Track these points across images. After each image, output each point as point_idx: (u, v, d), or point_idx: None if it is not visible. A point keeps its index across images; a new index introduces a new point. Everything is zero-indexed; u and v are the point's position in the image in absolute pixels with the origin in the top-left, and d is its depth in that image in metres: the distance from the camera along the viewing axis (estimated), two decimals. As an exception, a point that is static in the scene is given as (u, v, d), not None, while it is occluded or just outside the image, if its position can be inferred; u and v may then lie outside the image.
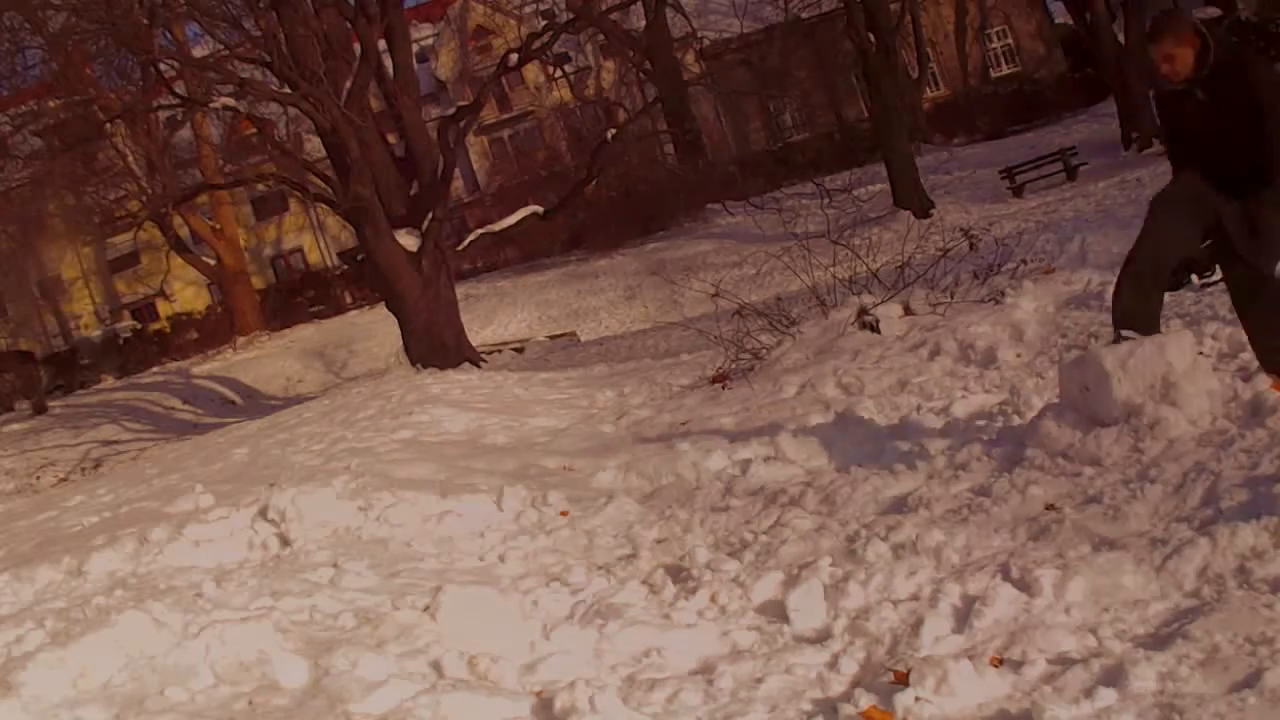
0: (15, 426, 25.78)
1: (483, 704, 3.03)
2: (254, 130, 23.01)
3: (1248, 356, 5.03)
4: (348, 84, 15.65)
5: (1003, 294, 8.51)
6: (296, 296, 35.78)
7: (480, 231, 18.54)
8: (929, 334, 7.79)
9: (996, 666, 2.78)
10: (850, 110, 37.87)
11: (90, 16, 15.17)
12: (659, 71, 29.54)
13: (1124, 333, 4.33)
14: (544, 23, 21.75)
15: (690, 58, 37.00)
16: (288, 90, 14.96)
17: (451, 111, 19.19)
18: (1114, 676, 2.57)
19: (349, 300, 34.55)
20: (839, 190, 21.17)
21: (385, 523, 5.17)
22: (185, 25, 22.65)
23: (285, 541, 5.06)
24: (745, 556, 4.24)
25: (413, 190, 16.62)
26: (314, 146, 25.42)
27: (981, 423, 5.51)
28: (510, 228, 18.50)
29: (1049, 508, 3.84)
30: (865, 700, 2.76)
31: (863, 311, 8.80)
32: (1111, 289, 4.55)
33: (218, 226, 32.37)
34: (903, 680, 2.79)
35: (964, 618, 3.14)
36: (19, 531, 7.48)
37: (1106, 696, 2.50)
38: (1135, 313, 4.38)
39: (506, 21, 36.26)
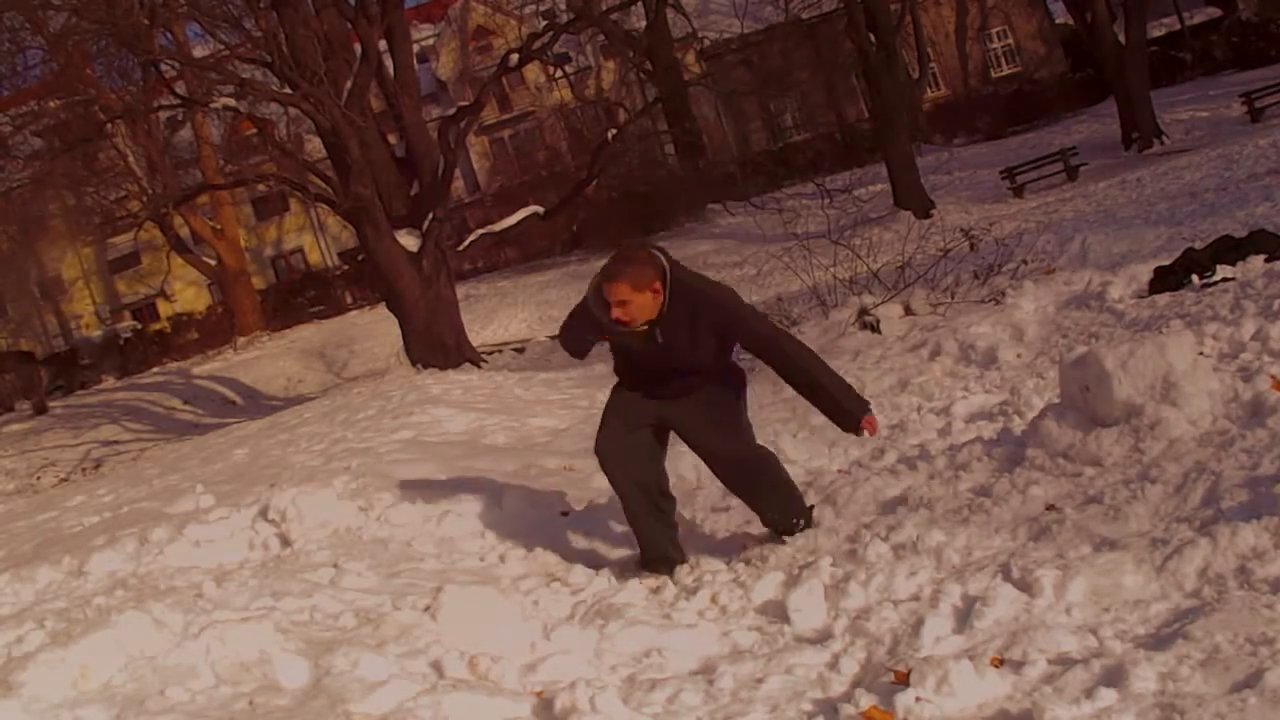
0: (16, 427, 25.79)
1: (483, 704, 3.03)
2: (254, 130, 22.98)
3: (1248, 356, 5.03)
4: (348, 84, 15.64)
5: (1003, 294, 8.53)
6: (297, 296, 35.78)
7: (481, 232, 18.53)
8: (929, 334, 7.79)
9: (997, 667, 2.78)
10: (851, 110, 37.91)
11: (91, 17, 15.16)
12: (659, 72, 29.52)
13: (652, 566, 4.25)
14: (544, 23, 21.75)
15: (691, 58, 37.01)
16: (288, 90, 14.95)
17: (452, 112, 19.20)
18: (1115, 677, 2.57)
19: (349, 300, 34.54)
20: (839, 190, 21.15)
21: (386, 523, 5.17)
22: (186, 25, 22.67)
23: (286, 542, 5.06)
24: (746, 556, 4.24)
25: (413, 190, 16.61)
26: (314, 147, 25.43)
27: (982, 423, 5.52)
28: (511, 228, 18.49)
29: (1049, 508, 3.84)
30: (866, 700, 2.76)
31: (863, 311, 8.81)
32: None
33: (218, 227, 32.37)
34: (903, 680, 2.79)
35: (964, 618, 3.14)
36: (19, 532, 7.48)
37: (1107, 697, 2.50)
38: (657, 540, 4.28)
39: (507, 22, 36.29)
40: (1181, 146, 25.14)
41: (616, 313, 3.98)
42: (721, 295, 4.10)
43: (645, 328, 4.03)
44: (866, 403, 4.14)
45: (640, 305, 3.96)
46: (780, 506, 4.30)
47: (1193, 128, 27.26)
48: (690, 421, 4.25)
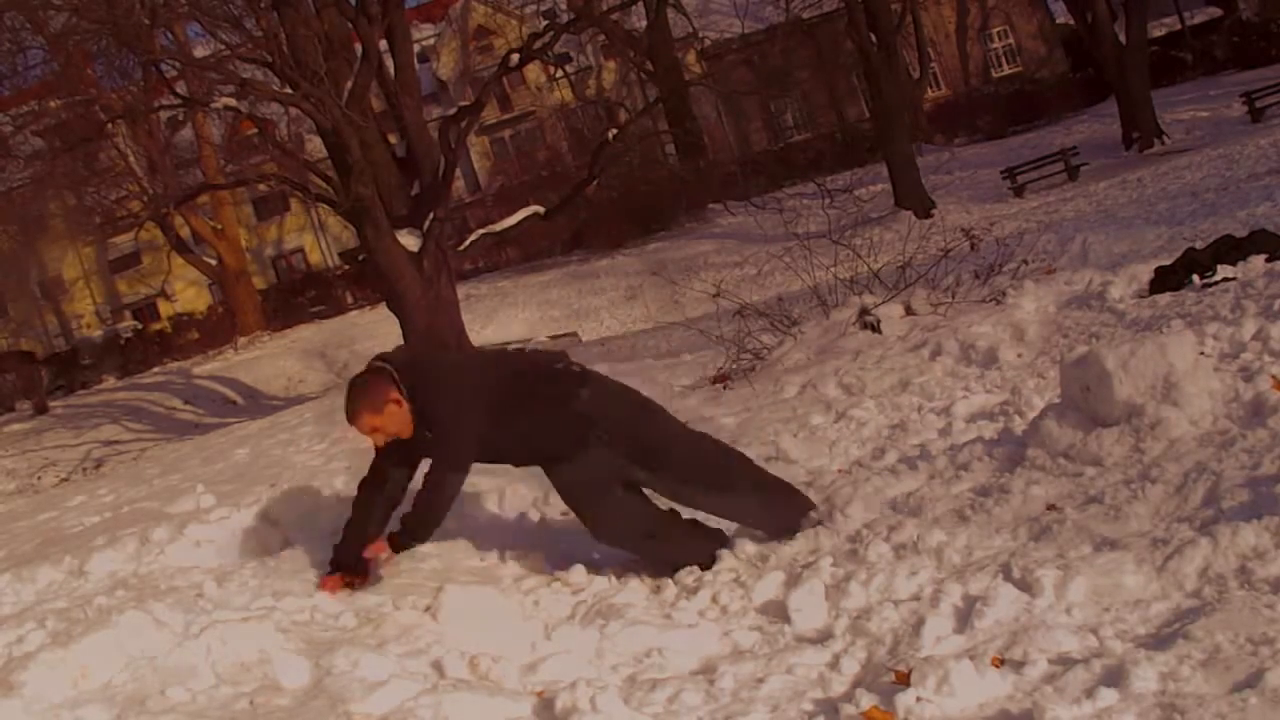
0: (16, 426, 25.79)
1: (484, 704, 3.03)
2: (255, 130, 23.01)
3: (1249, 356, 5.03)
4: (349, 84, 15.63)
5: (1004, 294, 8.51)
6: (298, 296, 35.79)
7: (481, 232, 18.51)
8: (930, 334, 7.79)
9: (998, 666, 2.78)
10: (851, 110, 37.93)
11: (91, 16, 15.14)
12: (660, 71, 29.54)
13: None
14: (545, 23, 21.75)
15: (692, 58, 37.07)
16: (289, 90, 14.94)
17: (453, 111, 19.18)
18: (1115, 677, 2.57)
19: (350, 300, 34.53)
20: (840, 190, 21.15)
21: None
22: (186, 25, 22.66)
23: (287, 542, 5.06)
24: (746, 556, 4.24)
25: (414, 190, 16.60)
26: (315, 146, 25.44)
27: (983, 423, 5.51)
28: (511, 228, 18.47)
29: (1050, 508, 3.84)
30: (866, 700, 2.76)
31: (864, 311, 8.80)
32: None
33: (219, 226, 32.38)
34: (904, 680, 2.79)
35: (965, 618, 3.14)
36: (20, 532, 7.49)
37: (1108, 697, 2.50)
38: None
39: (508, 21, 36.31)
40: (1182, 146, 25.14)
41: (377, 440, 4.00)
42: (436, 400, 3.94)
43: (414, 431, 3.99)
44: (403, 547, 4.04)
45: (391, 419, 3.94)
46: (697, 554, 4.16)
47: (1193, 127, 27.27)
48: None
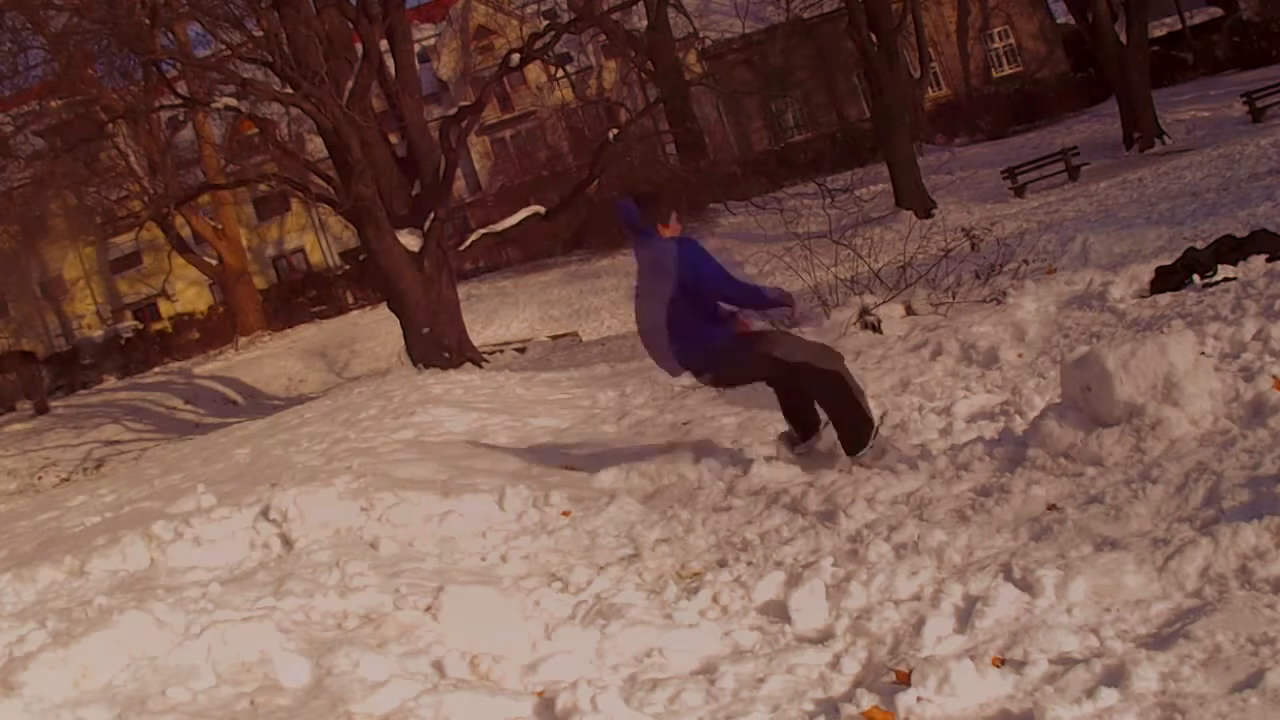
0: (17, 426, 25.79)
1: (484, 704, 3.03)
2: (256, 130, 23.00)
3: (1250, 356, 5.04)
4: (349, 84, 15.65)
5: (1005, 294, 8.52)
6: (298, 296, 35.78)
7: (482, 232, 18.53)
8: (931, 334, 7.79)
9: (998, 666, 2.78)
10: (852, 110, 37.91)
11: (92, 17, 15.15)
12: (661, 71, 29.54)
13: None
14: (546, 23, 21.74)
15: (692, 58, 37.03)
16: (289, 90, 14.95)
17: (453, 111, 19.18)
18: (1116, 676, 2.57)
19: (351, 300, 34.53)
20: (841, 190, 21.16)
21: (387, 523, 5.17)
22: (187, 25, 22.64)
23: (287, 542, 5.06)
24: (747, 556, 4.24)
25: (414, 190, 16.62)
26: (316, 146, 25.43)
27: (983, 423, 5.51)
28: (512, 228, 18.49)
29: (1051, 508, 3.84)
30: (867, 700, 2.76)
31: (864, 311, 8.81)
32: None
33: (219, 226, 32.40)
34: (904, 680, 2.79)
35: (966, 618, 3.14)
36: (21, 532, 7.49)
37: (1108, 696, 2.50)
38: None
39: (508, 21, 36.30)
40: (1183, 146, 25.14)
41: None
42: None
43: None
44: None
45: None
46: None
47: (1194, 127, 27.26)
48: None
